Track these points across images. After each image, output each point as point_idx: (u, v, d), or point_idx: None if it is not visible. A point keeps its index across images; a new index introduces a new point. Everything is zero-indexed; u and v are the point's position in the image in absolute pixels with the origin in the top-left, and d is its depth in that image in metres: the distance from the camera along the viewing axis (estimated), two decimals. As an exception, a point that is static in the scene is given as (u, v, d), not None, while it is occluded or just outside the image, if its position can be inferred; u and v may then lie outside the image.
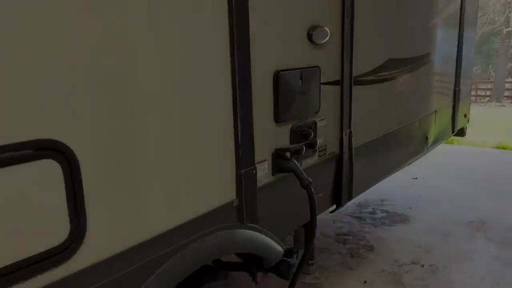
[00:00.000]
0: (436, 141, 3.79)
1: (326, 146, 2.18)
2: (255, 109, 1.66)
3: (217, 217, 1.53)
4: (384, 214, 4.13)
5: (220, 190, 1.55)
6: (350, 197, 2.45)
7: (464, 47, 3.99)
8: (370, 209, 4.24)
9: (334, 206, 2.43)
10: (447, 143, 5.50)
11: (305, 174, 1.81)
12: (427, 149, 3.62)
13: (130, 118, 1.21)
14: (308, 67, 1.94)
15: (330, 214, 2.71)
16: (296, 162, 1.83)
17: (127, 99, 1.20)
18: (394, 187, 4.65)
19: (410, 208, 4.25)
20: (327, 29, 2.00)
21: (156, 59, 1.26)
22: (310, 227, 1.87)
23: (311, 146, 2.02)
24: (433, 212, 4.12)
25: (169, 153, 1.33)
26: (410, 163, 3.31)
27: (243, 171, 1.62)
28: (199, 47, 1.39)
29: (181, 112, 1.35)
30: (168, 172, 1.34)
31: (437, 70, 3.50)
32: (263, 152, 1.77)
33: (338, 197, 2.37)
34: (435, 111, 3.60)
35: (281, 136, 1.86)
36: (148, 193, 1.28)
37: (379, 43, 2.56)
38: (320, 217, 2.46)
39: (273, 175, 1.84)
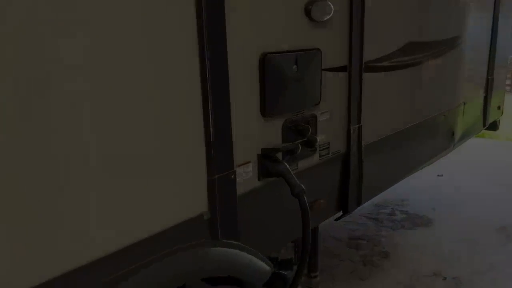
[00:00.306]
0: (464, 137, 3.38)
1: (329, 144, 1.85)
2: (234, 100, 1.35)
3: (180, 234, 1.24)
4: (404, 216, 3.76)
5: (184, 201, 1.25)
6: (359, 203, 2.12)
7: (499, 31, 3.53)
8: (388, 210, 3.87)
9: (340, 213, 2.10)
10: (477, 136, 5.02)
11: (296, 180, 1.50)
12: (454, 145, 3.22)
13: (50, 118, 0.93)
14: (305, 50, 1.61)
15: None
16: (287, 165, 1.52)
17: (42, 94, 0.91)
18: (416, 186, 4.25)
19: (433, 209, 3.85)
20: (330, 3, 1.65)
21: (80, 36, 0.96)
22: (303, 242, 1.56)
23: (309, 144, 1.69)
24: (459, 215, 3.72)
25: (108, 156, 1.04)
26: (432, 162, 2.92)
27: (216, 176, 1.32)
28: (145, 17, 1.08)
29: (122, 103, 1.06)
30: (108, 181, 1.05)
31: (467, 56, 3.07)
32: (245, 152, 1.46)
33: (344, 203, 2.04)
34: (464, 103, 3.19)
35: (270, 133, 1.55)
36: (79, 210, 1.00)
37: (397, 23, 2.19)
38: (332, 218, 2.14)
39: (259, 179, 1.53)
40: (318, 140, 1.73)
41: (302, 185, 1.49)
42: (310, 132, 1.68)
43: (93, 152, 1.01)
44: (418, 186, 4.26)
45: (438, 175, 4.68)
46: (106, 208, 1.05)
